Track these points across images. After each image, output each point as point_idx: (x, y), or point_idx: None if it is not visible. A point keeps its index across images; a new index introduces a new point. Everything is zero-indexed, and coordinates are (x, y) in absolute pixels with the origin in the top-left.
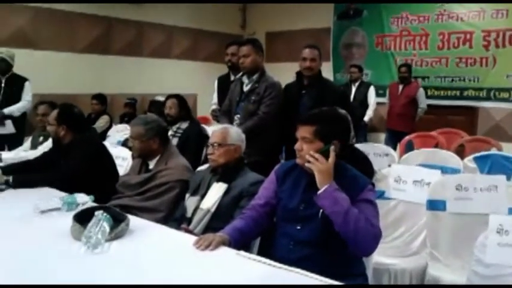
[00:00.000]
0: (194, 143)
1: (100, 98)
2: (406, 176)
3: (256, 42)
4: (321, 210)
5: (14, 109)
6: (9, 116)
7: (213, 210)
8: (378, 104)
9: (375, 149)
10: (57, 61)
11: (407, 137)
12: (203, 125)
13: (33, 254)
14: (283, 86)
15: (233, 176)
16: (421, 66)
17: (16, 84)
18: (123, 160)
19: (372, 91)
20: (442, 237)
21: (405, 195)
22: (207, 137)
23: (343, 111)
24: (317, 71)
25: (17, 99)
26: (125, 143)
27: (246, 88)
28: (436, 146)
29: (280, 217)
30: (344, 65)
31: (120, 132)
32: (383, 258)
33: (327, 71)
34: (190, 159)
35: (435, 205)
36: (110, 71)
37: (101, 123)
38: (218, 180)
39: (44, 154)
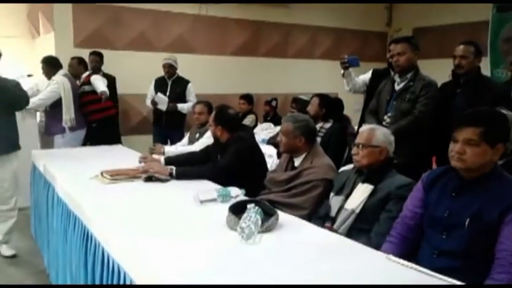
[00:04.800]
0: (335, 143)
1: (247, 98)
2: None
3: (412, 40)
4: (468, 219)
5: (185, 106)
6: (175, 108)
7: (357, 211)
8: None
9: None
10: (210, 64)
11: None
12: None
13: (194, 238)
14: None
15: (380, 178)
16: None
17: (180, 86)
18: (269, 157)
19: None
20: None
21: None
22: (352, 135)
23: (509, 112)
24: (471, 68)
25: (182, 99)
26: (269, 141)
27: (398, 87)
28: None
29: (426, 223)
30: (503, 61)
31: (264, 130)
32: None
33: (484, 68)
34: (331, 159)
35: None
36: (256, 72)
37: (248, 121)
38: (364, 181)
39: (205, 149)
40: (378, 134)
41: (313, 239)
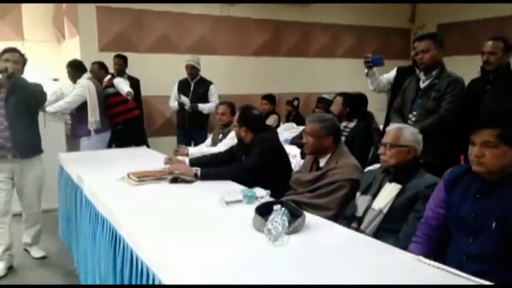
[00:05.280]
0: (360, 142)
1: (269, 98)
2: None
3: (436, 37)
4: (494, 222)
5: (205, 107)
6: (196, 107)
7: (385, 211)
8: None
9: None
10: (232, 64)
11: None
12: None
13: (221, 240)
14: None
15: (407, 177)
16: None
17: (203, 87)
18: (293, 157)
19: None
20: None
21: None
22: (377, 129)
23: None
24: (500, 64)
25: (204, 100)
26: (292, 141)
27: (423, 85)
28: None
29: (451, 226)
30: None
31: (287, 130)
32: None
33: None
34: (356, 159)
35: None
36: (278, 72)
37: (270, 122)
38: (391, 181)
39: (229, 150)
40: (405, 133)
41: (340, 240)
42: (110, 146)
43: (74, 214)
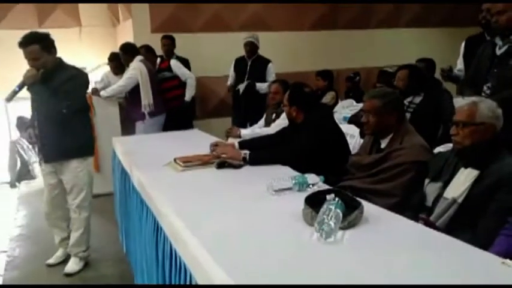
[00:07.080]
0: (427, 119)
1: (323, 74)
2: None
3: None
4: None
5: (263, 87)
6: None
7: (460, 200)
8: None
9: None
10: (287, 40)
11: None
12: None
13: (265, 236)
14: None
15: (487, 161)
16: None
17: (260, 66)
18: (351, 137)
19: None
20: None
21: None
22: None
23: None
24: None
25: (261, 79)
26: (351, 120)
27: (499, 51)
28: None
29: None
30: None
31: (346, 108)
32: None
33: None
34: (423, 138)
35: None
36: (336, 46)
37: (327, 99)
38: (466, 165)
39: (280, 131)
40: (481, 108)
41: (406, 236)
42: (165, 129)
43: (124, 200)
